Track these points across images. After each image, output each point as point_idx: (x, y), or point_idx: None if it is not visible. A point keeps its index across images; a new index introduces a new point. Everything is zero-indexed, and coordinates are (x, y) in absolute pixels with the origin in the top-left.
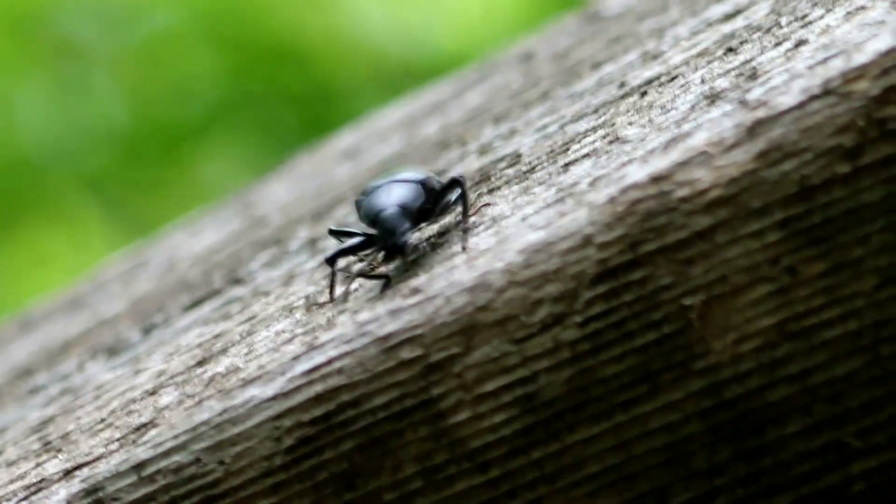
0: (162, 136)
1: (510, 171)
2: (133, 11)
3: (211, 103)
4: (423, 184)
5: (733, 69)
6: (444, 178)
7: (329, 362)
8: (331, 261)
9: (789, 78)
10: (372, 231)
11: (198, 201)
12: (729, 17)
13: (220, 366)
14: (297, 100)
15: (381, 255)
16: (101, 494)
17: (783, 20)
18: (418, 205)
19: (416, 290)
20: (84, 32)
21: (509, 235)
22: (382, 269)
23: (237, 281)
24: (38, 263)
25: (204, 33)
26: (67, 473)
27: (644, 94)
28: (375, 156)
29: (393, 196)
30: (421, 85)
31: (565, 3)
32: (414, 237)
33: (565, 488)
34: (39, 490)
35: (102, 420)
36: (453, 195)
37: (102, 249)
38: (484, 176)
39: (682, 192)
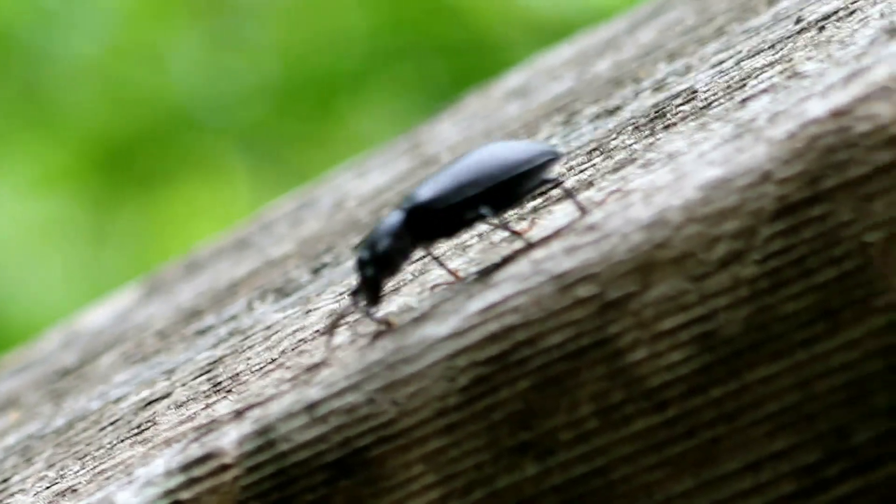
0: (315, 90)
1: (686, 108)
2: None
3: (364, 57)
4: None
5: None
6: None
7: (504, 300)
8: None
9: None
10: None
11: (350, 155)
12: None
13: (393, 305)
14: (450, 52)
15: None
16: (272, 435)
17: None
18: (387, 245)
19: (591, 228)
20: None
21: (687, 172)
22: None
23: None
24: (188, 216)
25: None
26: (238, 414)
27: (822, 28)
28: (547, 94)
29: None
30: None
31: None
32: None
33: (744, 428)
34: (210, 431)
35: (273, 360)
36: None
37: (253, 203)
38: (659, 112)
39: (863, 128)
